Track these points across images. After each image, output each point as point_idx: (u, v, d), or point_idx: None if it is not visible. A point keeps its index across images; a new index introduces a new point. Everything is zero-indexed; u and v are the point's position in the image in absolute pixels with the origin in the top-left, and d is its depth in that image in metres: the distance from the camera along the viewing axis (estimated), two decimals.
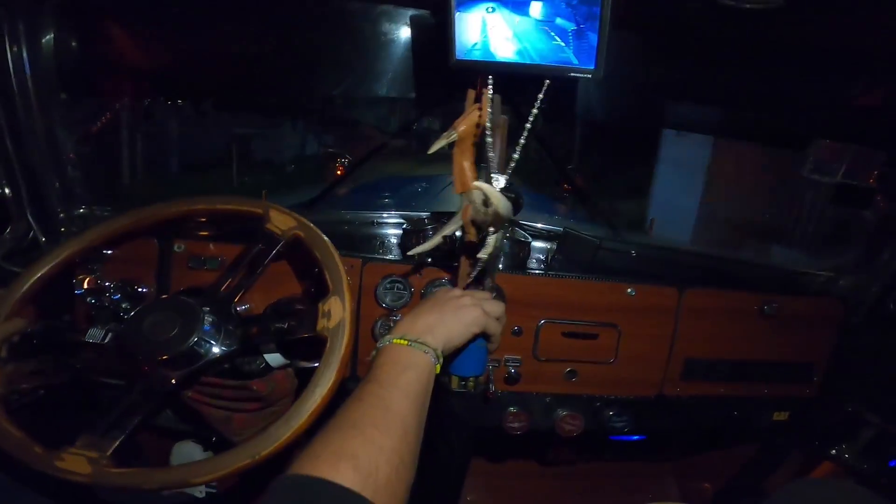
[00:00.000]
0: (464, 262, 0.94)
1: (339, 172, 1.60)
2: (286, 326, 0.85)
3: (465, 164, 0.91)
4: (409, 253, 0.98)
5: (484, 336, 0.84)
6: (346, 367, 0.79)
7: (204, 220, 1.16)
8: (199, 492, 1.37)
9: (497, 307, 0.84)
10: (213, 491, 1.38)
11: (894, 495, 1.18)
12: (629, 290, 1.14)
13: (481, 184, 0.80)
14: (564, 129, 1.40)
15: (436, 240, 0.91)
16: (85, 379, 0.92)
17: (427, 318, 0.75)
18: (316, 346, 0.83)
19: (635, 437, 1.61)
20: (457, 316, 0.77)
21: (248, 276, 0.91)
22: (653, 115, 1.33)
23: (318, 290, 1.02)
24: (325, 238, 0.87)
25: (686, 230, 1.55)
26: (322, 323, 0.80)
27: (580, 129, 1.43)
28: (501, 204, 0.78)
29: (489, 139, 0.83)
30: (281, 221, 0.90)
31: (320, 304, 0.82)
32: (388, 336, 0.73)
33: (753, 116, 1.29)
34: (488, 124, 0.81)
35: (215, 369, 0.90)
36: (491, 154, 0.84)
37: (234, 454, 0.76)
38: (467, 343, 0.80)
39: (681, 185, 1.53)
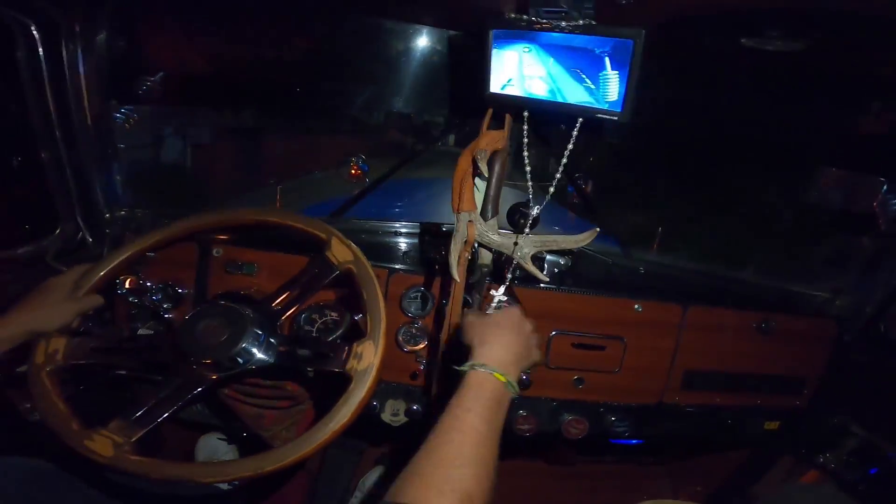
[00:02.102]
0: (453, 284, 0.99)
1: (353, 172, 1.66)
2: (317, 357, 0.90)
3: (471, 184, 0.96)
4: (457, 279, 0.98)
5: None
6: (364, 408, 0.83)
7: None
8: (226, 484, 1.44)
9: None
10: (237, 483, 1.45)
11: (872, 500, 1.27)
12: (636, 305, 1.21)
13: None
14: (584, 148, 1.46)
15: (454, 258, 0.95)
16: (131, 367, 0.98)
17: (517, 352, 0.78)
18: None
19: (634, 441, 1.69)
20: (530, 354, 0.82)
21: (300, 296, 0.97)
22: (664, 139, 1.39)
23: (353, 303, 1.07)
24: (375, 280, 0.91)
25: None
26: (352, 363, 0.85)
27: (593, 147, 1.49)
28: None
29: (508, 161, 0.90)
30: (340, 252, 0.94)
31: (354, 345, 0.87)
32: (488, 363, 0.73)
33: (761, 142, 1.34)
34: (526, 151, 0.87)
35: (252, 375, 0.96)
36: (485, 168, 0.90)
37: (240, 464, 0.84)
38: None
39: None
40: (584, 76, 0.79)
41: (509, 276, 0.94)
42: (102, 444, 0.83)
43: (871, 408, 1.34)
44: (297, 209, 1.60)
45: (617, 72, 0.76)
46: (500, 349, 0.77)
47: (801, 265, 1.43)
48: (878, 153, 1.33)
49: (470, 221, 0.94)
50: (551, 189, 0.88)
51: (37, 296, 0.91)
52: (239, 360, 0.89)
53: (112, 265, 0.97)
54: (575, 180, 1.55)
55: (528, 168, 0.91)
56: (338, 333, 1.06)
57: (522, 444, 1.33)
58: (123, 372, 1.02)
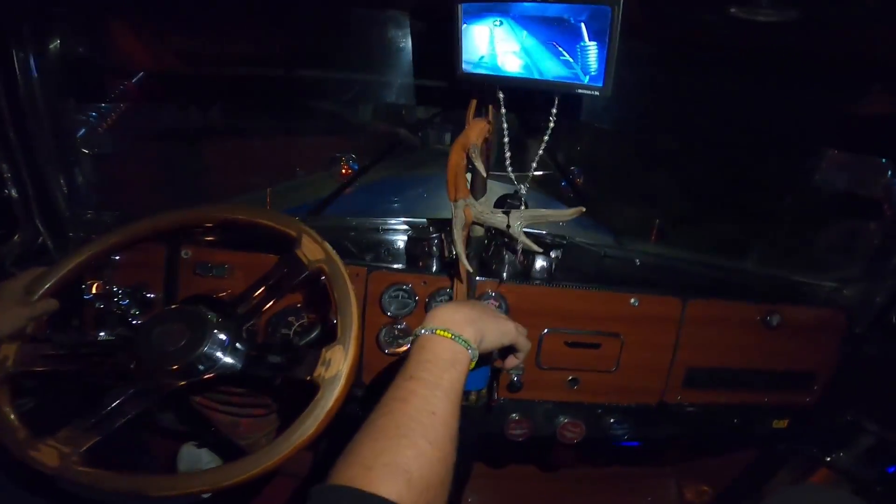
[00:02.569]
0: (462, 271, 0.95)
1: (343, 171, 1.61)
2: (288, 363, 0.85)
3: (464, 176, 0.93)
4: (469, 269, 0.94)
5: (512, 350, 0.81)
6: (332, 419, 0.77)
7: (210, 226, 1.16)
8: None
9: (524, 334, 0.81)
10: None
11: (889, 502, 1.21)
12: (632, 300, 1.15)
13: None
14: (569, 134, 1.40)
15: (461, 247, 0.91)
16: (87, 375, 0.93)
17: (468, 312, 0.71)
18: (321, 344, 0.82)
19: (635, 443, 1.62)
20: (495, 321, 0.74)
21: (269, 298, 0.91)
22: (659, 123, 1.32)
23: (325, 305, 1.02)
24: (347, 280, 0.85)
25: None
26: (319, 370, 0.79)
27: (585, 136, 1.43)
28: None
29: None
30: (311, 250, 0.88)
31: (323, 350, 0.81)
32: (429, 324, 0.67)
33: (760, 126, 1.28)
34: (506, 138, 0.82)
35: (220, 383, 0.90)
36: (481, 165, 0.86)
37: (195, 477, 0.79)
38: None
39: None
40: (560, 49, 0.73)
41: (508, 253, 0.88)
42: (48, 455, 0.79)
43: (886, 403, 1.27)
44: (283, 209, 1.55)
45: (595, 43, 0.70)
46: (443, 312, 0.69)
47: (806, 253, 1.35)
48: (884, 136, 1.26)
49: (467, 206, 0.92)
50: (534, 165, 0.82)
51: None
52: (200, 366, 0.84)
53: (67, 269, 0.92)
54: (568, 173, 1.49)
55: (507, 149, 0.86)
56: (310, 337, 1.00)
57: (519, 448, 1.27)
58: (84, 379, 0.97)
